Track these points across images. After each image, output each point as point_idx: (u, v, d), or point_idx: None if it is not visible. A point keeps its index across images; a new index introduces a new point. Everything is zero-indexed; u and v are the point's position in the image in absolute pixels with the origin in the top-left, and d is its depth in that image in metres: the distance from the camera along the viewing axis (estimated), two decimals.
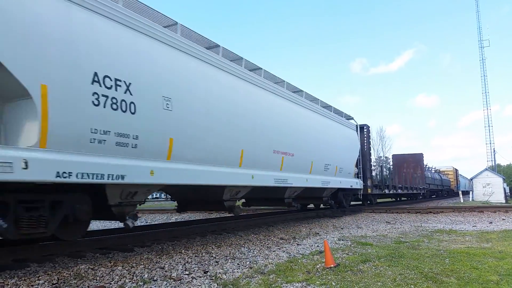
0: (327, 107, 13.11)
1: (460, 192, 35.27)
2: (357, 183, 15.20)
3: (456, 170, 56.90)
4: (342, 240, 7.85)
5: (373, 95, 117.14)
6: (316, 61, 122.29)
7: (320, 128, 11.86)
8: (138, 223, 13.55)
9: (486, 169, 34.78)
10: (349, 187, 14.39)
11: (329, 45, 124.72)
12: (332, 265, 5.13)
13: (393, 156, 36.77)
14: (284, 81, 10.27)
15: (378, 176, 22.79)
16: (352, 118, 15.65)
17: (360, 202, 19.14)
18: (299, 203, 12.23)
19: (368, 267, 5.12)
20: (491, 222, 11.55)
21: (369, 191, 16.99)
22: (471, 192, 34.66)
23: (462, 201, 29.97)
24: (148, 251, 6.36)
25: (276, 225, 10.65)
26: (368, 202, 19.11)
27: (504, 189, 31.81)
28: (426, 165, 37.38)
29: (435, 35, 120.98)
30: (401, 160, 32.53)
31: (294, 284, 4.35)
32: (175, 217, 14.92)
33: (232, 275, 4.80)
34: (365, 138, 16.87)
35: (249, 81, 8.45)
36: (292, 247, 6.97)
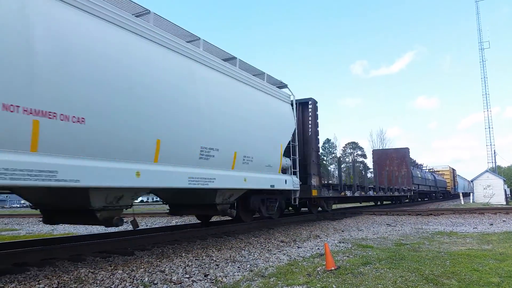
0: (230, 59, 8.68)
1: (460, 194, 35.20)
2: (287, 182, 10.20)
3: (454, 170, 52.99)
4: (343, 242, 7.84)
5: (374, 97, 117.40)
6: (316, 63, 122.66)
7: (196, 85, 7.04)
8: (139, 226, 13.54)
9: (486, 171, 34.78)
10: (269, 187, 9.40)
11: (330, 47, 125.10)
12: (332, 268, 5.12)
13: (374, 151, 31.61)
14: None
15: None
16: (286, 86, 11.08)
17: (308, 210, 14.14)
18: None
19: (368, 270, 5.11)
20: (491, 224, 11.53)
21: (314, 193, 12.07)
22: (471, 194, 34.63)
23: (462, 203, 29.95)
24: (149, 255, 6.36)
25: (277, 227, 10.63)
26: (320, 209, 14.43)
27: (505, 190, 31.81)
28: (415, 162, 34.43)
29: (436, 37, 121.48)
30: (383, 157, 27.96)
31: (295, 287, 4.34)
32: (175, 221, 14.90)
33: (233, 279, 4.80)
34: (310, 118, 12.35)
35: None
36: (292, 250, 6.96)
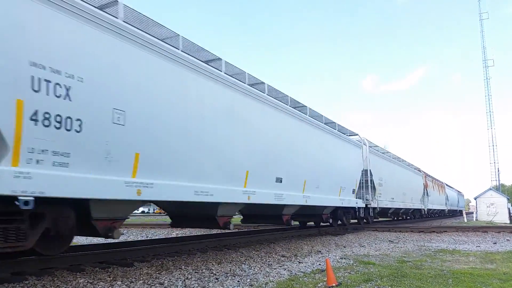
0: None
1: (463, 212, 34.86)
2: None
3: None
4: (344, 258, 7.76)
5: (384, 112, 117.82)
6: (328, 78, 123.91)
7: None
8: (139, 237, 13.48)
9: (490, 189, 34.57)
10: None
11: (342, 62, 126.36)
12: (334, 284, 5.06)
13: None
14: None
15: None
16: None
17: None
18: None
19: (370, 287, 5.04)
20: (495, 243, 11.40)
21: None
22: (474, 212, 34.36)
23: (465, 220, 29.71)
24: (148, 266, 6.30)
25: (278, 242, 10.55)
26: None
27: (509, 209, 31.55)
28: None
29: (448, 53, 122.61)
30: None
31: None
32: (175, 232, 14.81)
33: None
34: None
35: None
36: (293, 265, 6.89)
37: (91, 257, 6.45)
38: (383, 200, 18.68)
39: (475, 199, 34.47)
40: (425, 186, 29.51)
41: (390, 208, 21.23)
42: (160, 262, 6.75)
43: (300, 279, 5.57)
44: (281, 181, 9.26)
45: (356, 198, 15.08)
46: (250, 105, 8.35)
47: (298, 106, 10.86)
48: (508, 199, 33.23)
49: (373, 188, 17.11)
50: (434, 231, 14.99)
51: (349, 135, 15.16)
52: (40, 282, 4.88)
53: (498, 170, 56.29)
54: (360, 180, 15.56)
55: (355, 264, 6.99)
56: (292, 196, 9.83)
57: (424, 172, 30.41)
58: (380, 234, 14.23)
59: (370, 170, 16.63)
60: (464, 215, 33.17)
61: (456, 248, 10.13)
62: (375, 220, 20.89)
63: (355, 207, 15.27)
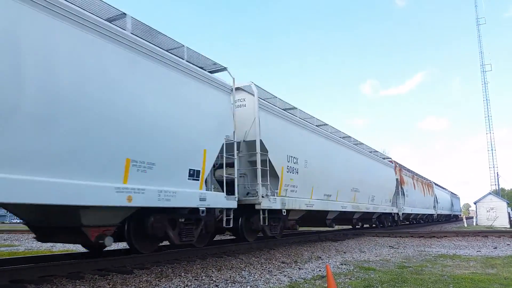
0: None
1: (464, 217, 34.81)
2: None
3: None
4: (345, 264, 7.73)
5: (383, 117, 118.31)
6: (326, 82, 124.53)
7: None
8: None
9: (489, 193, 34.59)
10: None
11: (341, 67, 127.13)
12: None
13: None
14: None
15: None
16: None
17: None
18: None
19: None
20: (495, 247, 11.37)
21: None
22: (474, 217, 34.35)
23: (466, 225, 29.69)
24: (148, 274, 6.28)
25: (278, 248, 10.52)
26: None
27: (509, 213, 31.53)
28: None
29: (447, 58, 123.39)
30: None
31: None
32: None
33: None
34: None
35: None
36: (293, 271, 6.86)
37: (91, 264, 6.42)
38: (302, 197, 11.24)
39: (475, 203, 34.48)
40: (400, 183, 22.55)
41: (326, 212, 13.46)
42: (159, 270, 6.72)
43: (301, 286, 5.55)
44: None
45: (211, 190, 8.03)
46: None
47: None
48: (508, 203, 33.24)
49: (272, 174, 9.72)
50: (434, 236, 14.98)
51: (209, 70, 8.37)
52: None
53: (498, 174, 56.34)
54: (223, 156, 8.26)
55: (355, 270, 6.96)
56: None
57: (398, 164, 23.13)
58: (380, 239, 14.20)
59: (261, 141, 9.40)
60: (464, 220, 33.12)
61: (457, 253, 10.11)
62: (287, 233, 12.89)
63: (200, 209, 7.67)
